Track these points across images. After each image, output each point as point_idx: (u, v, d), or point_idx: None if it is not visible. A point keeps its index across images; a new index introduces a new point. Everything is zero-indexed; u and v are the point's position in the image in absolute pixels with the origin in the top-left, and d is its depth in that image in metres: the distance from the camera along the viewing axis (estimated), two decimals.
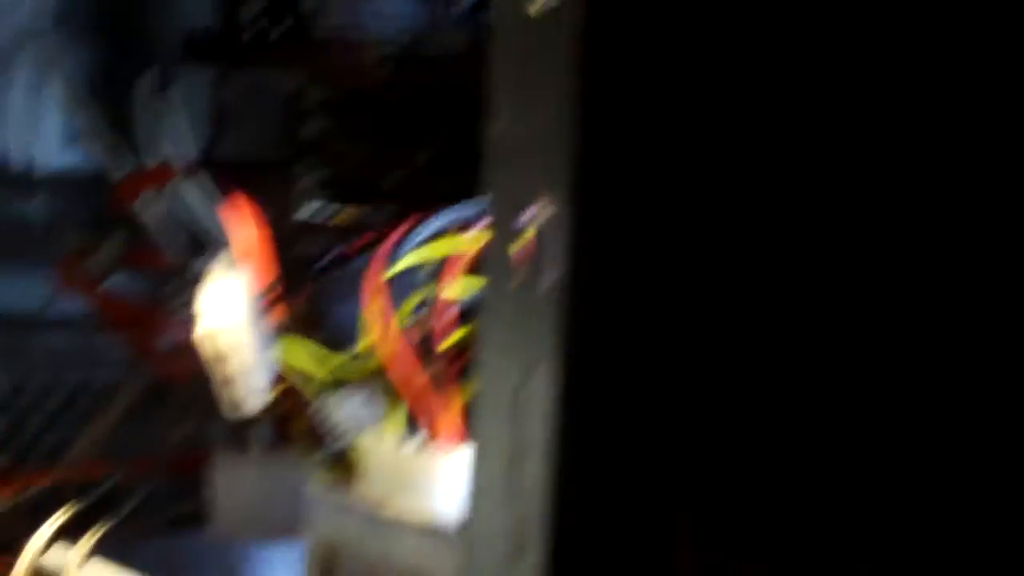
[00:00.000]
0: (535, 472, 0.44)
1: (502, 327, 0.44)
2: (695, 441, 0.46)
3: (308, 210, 0.77)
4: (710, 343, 0.46)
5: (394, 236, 0.57)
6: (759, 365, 0.46)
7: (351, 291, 0.61)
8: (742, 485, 0.47)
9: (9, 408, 0.80)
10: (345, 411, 0.60)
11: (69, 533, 0.62)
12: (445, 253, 0.57)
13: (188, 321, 0.73)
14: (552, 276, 0.43)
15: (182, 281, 0.68)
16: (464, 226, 0.57)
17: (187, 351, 0.72)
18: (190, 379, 0.64)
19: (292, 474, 0.58)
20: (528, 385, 0.44)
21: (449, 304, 0.56)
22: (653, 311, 0.45)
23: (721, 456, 0.46)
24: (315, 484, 0.54)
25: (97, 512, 0.65)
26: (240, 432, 0.66)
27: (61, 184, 0.86)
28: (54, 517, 0.63)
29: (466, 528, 0.46)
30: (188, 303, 0.60)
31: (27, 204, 0.86)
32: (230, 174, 0.75)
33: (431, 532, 0.52)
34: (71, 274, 0.77)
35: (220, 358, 0.52)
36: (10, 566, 0.63)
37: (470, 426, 0.46)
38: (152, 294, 0.79)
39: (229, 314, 0.52)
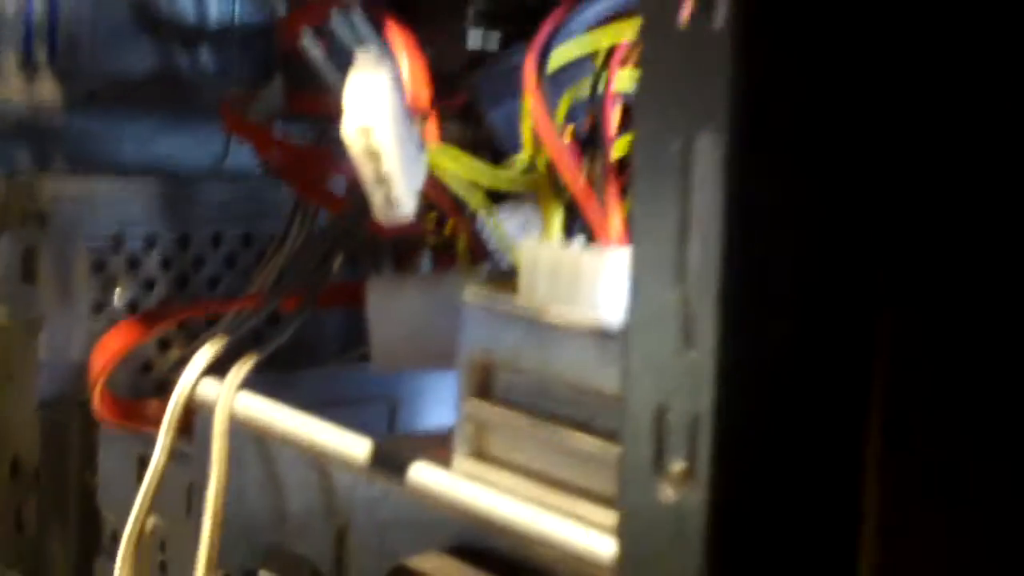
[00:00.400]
0: (704, 249, 0.38)
1: (662, 77, 0.39)
2: (896, 212, 0.39)
3: (471, 39, 0.73)
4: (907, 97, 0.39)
5: (550, 24, 0.51)
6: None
7: (512, 99, 0.56)
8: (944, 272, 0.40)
9: (175, 260, 0.78)
10: (507, 224, 0.55)
11: (223, 365, 0.60)
12: (610, 42, 0.51)
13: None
14: (722, 14, 0.37)
15: None
16: (630, 11, 0.51)
17: (354, 192, 0.69)
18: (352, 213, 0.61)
19: (453, 296, 0.54)
20: (694, 145, 0.38)
21: (615, 98, 0.51)
22: (844, 57, 0.38)
23: (926, 240, 0.40)
24: (470, 295, 0.50)
25: (251, 344, 0.62)
26: (399, 255, 0.63)
27: (226, 33, 0.84)
28: (206, 349, 0.60)
29: (628, 318, 0.40)
30: None
31: (193, 56, 0.84)
32: (390, 6, 0.71)
33: (595, 334, 0.47)
34: (236, 121, 0.74)
35: (372, 155, 0.47)
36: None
37: (630, 197, 0.40)
38: (318, 137, 0.76)
39: (380, 110, 0.47)
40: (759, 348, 0.39)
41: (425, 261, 0.64)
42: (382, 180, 0.48)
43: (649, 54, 0.39)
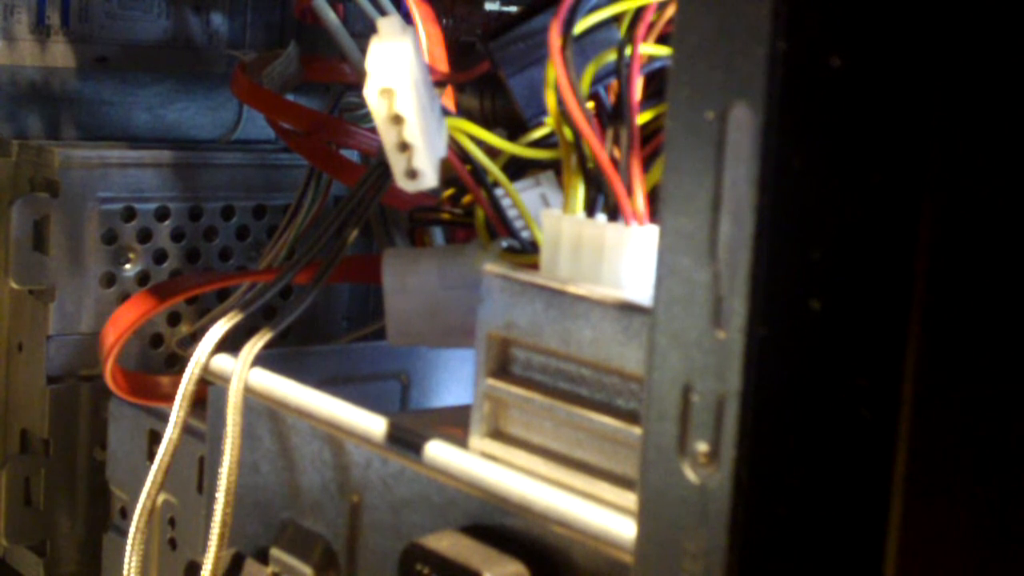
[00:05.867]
0: (736, 225, 0.37)
1: (697, 43, 0.37)
2: (936, 188, 0.38)
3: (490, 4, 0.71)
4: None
5: None
6: None
7: (534, 66, 0.55)
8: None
9: (186, 232, 0.78)
10: (527, 196, 0.54)
11: (237, 339, 0.58)
12: (637, 4, 0.50)
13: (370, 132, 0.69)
14: None
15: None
16: None
17: (369, 162, 0.68)
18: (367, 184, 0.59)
19: (471, 269, 0.52)
20: (728, 116, 0.37)
21: (643, 65, 0.50)
22: (884, 25, 0.37)
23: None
24: (490, 268, 0.48)
25: (261, 318, 0.61)
26: (414, 227, 0.61)
27: None
28: (221, 324, 0.59)
29: (656, 295, 0.39)
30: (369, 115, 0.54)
31: (206, 21, 0.83)
32: None
33: (619, 310, 0.45)
34: (249, 89, 0.73)
35: (395, 120, 0.46)
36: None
37: (662, 169, 0.39)
38: (332, 106, 0.75)
39: (403, 75, 0.46)
40: (789, 329, 0.38)
41: (438, 235, 0.63)
42: (404, 148, 0.47)
43: (683, 19, 0.37)
